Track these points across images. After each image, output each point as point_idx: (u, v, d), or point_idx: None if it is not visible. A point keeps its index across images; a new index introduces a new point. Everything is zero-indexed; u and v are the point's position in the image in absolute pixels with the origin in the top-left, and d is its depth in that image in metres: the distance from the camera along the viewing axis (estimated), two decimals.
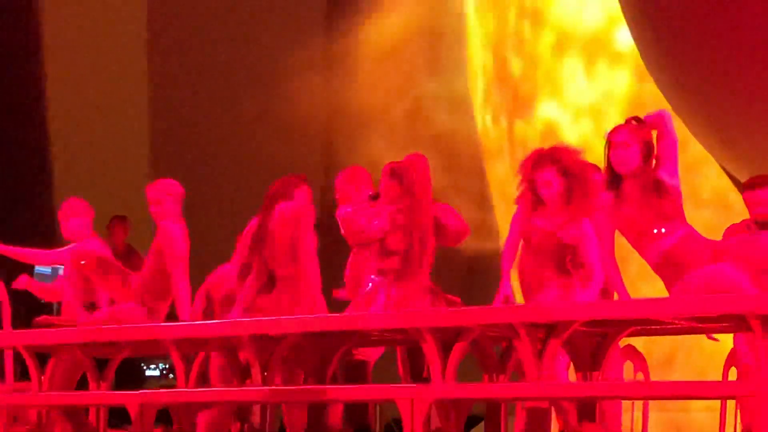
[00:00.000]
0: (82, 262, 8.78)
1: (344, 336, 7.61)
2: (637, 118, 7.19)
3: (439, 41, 12.86)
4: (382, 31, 12.92)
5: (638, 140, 6.93)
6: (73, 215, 9.09)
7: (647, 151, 6.95)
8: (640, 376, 7.93)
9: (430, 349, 6.88)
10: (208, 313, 8.78)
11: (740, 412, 7.43)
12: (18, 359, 8.69)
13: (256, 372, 7.51)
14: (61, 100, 13.53)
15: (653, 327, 7.15)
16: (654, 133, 7.00)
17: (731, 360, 7.65)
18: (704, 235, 7.18)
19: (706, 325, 7.04)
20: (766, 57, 10.39)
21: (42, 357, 8.41)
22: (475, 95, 12.97)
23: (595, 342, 6.95)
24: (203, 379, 8.17)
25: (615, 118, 11.76)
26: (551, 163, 7.07)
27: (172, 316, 8.64)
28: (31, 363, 8.28)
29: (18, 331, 8.75)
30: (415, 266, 7.77)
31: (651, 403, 8.11)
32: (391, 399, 7.47)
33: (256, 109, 12.62)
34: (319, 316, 7.82)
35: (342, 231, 8.18)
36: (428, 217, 7.87)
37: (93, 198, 9.53)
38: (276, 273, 7.91)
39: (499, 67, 12.57)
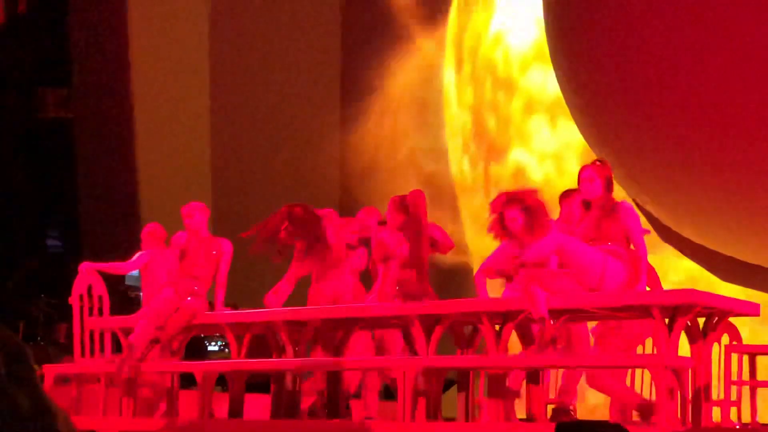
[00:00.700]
0: None
1: (354, 321, 7.66)
2: (600, 160, 7.27)
3: (426, 107, 12.83)
4: (385, 98, 13.07)
5: (601, 176, 6.92)
6: (152, 237, 8.68)
7: (608, 184, 6.94)
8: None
9: (417, 331, 7.09)
10: None
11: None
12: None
13: (289, 348, 7.67)
14: (147, 142, 13.21)
15: (583, 314, 7.02)
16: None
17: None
18: None
19: (620, 314, 6.96)
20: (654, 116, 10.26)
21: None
22: (453, 147, 12.94)
23: (538, 326, 6.78)
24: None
25: (572, 161, 11.97)
26: (515, 203, 7.00)
27: None
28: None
29: (117, 317, 8.59)
30: (423, 274, 7.78)
31: None
32: (388, 368, 7.73)
33: (289, 156, 12.67)
34: (334, 307, 7.84)
35: (374, 252, 8.12)
36: (427, 237, 7.91)
37: (168, 218, 9.33)
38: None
39: (478, 125, 12.56)
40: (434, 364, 7.11)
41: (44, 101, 14.38)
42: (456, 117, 12.88)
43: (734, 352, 7.22)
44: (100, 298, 8.35)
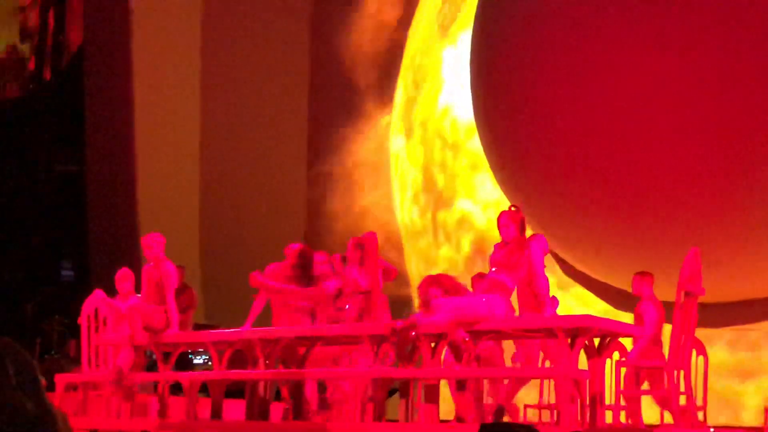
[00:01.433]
0: None
1: (314, 339, 7.59)
2: (515, 206, 7.20)
3: (379, 170, 12.74)
4: (348, 163, 12.92)
5: (515, 221, 6.80)
6: (154, 244, 8.11)
7: (521, 227, 6.83)
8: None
9: (365, 347, 7.02)
10: None
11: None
12: None
13: (261, 361, 7.48)
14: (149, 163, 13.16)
15: (502, 333, 6.97)
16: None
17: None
18: None
19: (532, 334, 6.94)
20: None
21: None
22: (402, 199, 12.74)
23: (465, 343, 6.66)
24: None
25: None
26: (436, 285, 7.01)
27: None
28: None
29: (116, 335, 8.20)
30: (377, 299, 7.71)
31: None
32: (343, 378, 7.63)
33: (266, 204, 12.61)
34: (295, 327, 7.79)
35: (346, 286, 7.89)
36: (379, 267, 7.83)
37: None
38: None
39: (427, 180, 12.33)
40: (380, 375, 7.04)
41: (59, 158, 14.37)
42: (406, 174, 12.72)
43: (623, 366, 7.29)
44: (105, 319, 8.23)
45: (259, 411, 7.64)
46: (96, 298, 8.33)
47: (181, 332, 8.13)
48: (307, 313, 8.15)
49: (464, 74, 11.83)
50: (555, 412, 7.15)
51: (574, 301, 10.77)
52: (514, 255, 6.72)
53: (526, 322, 6.87)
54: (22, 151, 14.90)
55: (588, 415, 6.51)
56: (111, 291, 8.68)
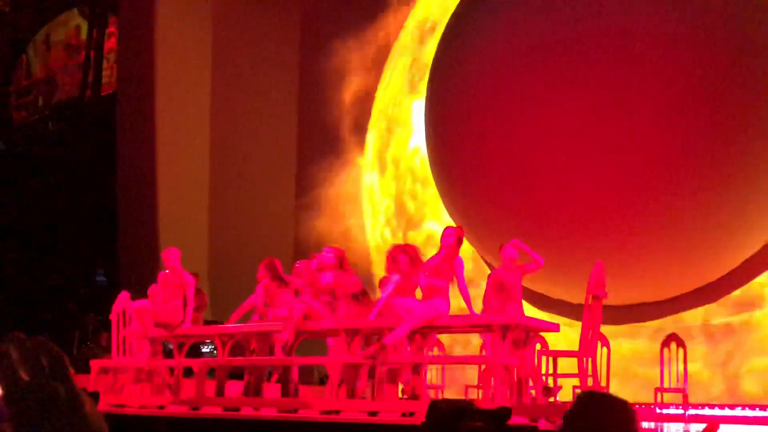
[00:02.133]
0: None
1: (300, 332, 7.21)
2: (460, 226, 7.10)
3: (355, 200, 12.64)
4: (330, 194, 12.85)
5: (457, 235, 6.73)
6: (172, 257, 8.04)
7: (459, 240, 6.73)
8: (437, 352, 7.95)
9: (340, 340, 6.99)
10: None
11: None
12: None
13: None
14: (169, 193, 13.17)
15: (445, 328, 6.94)
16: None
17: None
18: None
19: (472, 329, 7.09)
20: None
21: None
22: (374, 224, 12.51)
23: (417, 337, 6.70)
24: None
25: None
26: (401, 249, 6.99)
27: None
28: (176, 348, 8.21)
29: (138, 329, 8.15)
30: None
31: None
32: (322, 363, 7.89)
33: (263, 228, 12.46)
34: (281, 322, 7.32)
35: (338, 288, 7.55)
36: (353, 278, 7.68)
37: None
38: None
39: (399, 207, 12.09)
40: (349, 360, 6.98)
41: (95, 184, 14.30)
42: (379, 204, 12.49)
43: (543, 355, 7.37)
44: (130, 316, 8.24)
45: (254, 389, 7.65)
46: (123, 299, 8.36)
47: (193, 327, 8.11)
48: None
49: None
50: (490, 391, 7.20)
51: None
52: (445, 262, 6.71)
53: (469, 320, 6.86)
54: (65, 178, 14.84)
55: (516, 393, 6.59)
56: (136, 294, 8.66)
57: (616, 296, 8.17)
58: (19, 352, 0.88)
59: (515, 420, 5.80)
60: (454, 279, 6.67)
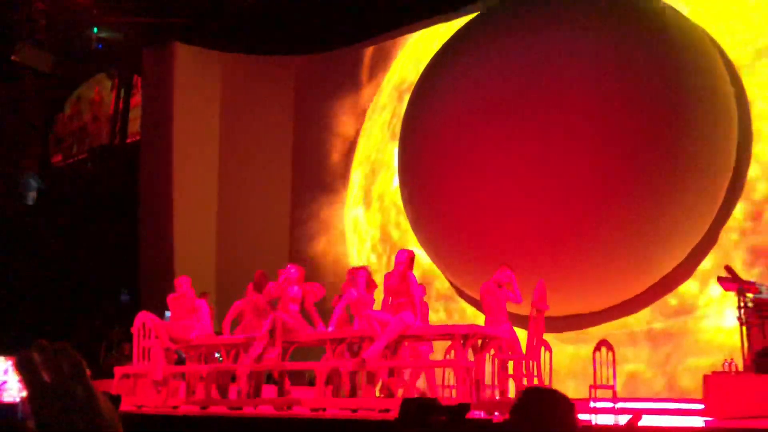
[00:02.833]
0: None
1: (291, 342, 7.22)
2: (408, 250, 7.01)
3: (343, 235, 12.55)
4: (318, 224, 12.79)
5: (409, 257, 6.68)
6: (184, 283, 8.06)
7: (411, 261, 6.69)
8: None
9: (330, 346, 6.98)
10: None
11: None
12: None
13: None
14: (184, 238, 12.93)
15: (421, 337, 6.88)
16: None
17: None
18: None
19: (437, 337, 7.10)
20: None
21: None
22: (359, 250, 12.35)
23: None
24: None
25: None
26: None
27: None
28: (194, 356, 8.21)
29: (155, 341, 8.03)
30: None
31: None
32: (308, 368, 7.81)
33: (263, 255, 12.10)
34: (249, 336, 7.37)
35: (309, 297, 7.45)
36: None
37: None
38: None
39: (384, 235, 11.90)
40: (335, 366, 6.91)
41: (121, 219, 14.17)
42: (365, 233, 12.33)
43: (496, 358, 7.25)
44: (149, 330, 8.14)
45: (254, 391, 7.53)
46: (143, 315, 8.26)
47: (204, 337, 8.00)
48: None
49: None
50: (453, 390, 7.12)
51: (465, 313, 10.67)
52: (403, 281, 6.64)
53: (435, 329, 6.94)
54: (95, 213, 14.73)
55: (475, 392, 6.53)
56: (154, 310, 8.64)
57: (558, 308, 8.30)
58: (42, 357, 0.85)
59: (473, 414, 5.74)
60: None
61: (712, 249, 8.64)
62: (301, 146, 13.41)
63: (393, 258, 11.63)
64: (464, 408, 4.62)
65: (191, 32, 13.30)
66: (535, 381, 6.84)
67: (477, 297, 9.33)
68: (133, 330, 8.24)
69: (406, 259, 6.68)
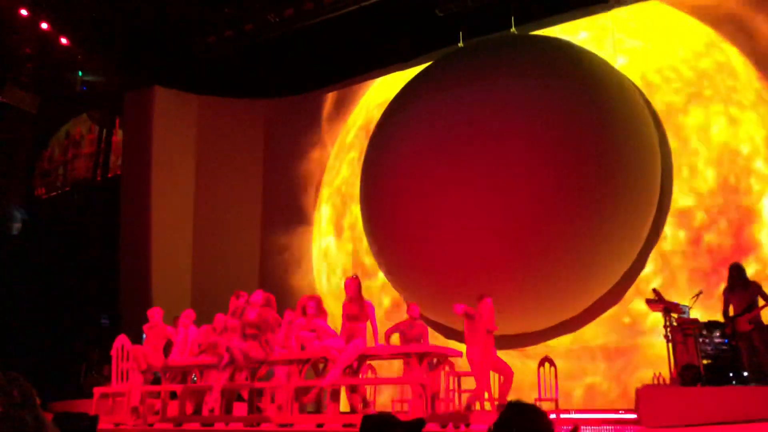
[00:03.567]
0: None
1: (260, 362, 7.05)
2: (356, 275, 6.82)
3: (311, 259, 12.40)
4: (289, 254, 12.66)
5: (357, 284, 6.60)
6: (156, 314, 7.86)
7: (358, 289, 6.59)
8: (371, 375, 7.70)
9: (296, 367, 6.82)
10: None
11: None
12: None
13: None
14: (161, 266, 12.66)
15: (377, 357, 6.81)
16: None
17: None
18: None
19: (395, 357, 6.89)
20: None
21: None
22: (330, 274, 12.19)
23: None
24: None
25: None
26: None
27: None
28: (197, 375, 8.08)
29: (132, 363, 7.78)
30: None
31: None
32: (275, 387, 7.61)
33: (234, 279, 11.97)
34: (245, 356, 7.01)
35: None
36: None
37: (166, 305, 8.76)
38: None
39: (356, 262, 11.76)
40: (300, 384, 6.84)
41: (103, 245, 13.83)
42: (337, 259, 12.21)
43: (450, 375, 7.27)
44: (128, 352, 7.96)
45: (225, 408, 7.37)
46: (122, 339, 8.09)
47: (176, 359, 7.79)
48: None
49: None
50: (409, 404, 7.06)
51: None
52: (357, 308, 6.59)
53: (393, 350, 6.79)
54: (78, 243, 14.41)
55: (430, 406, 6.48)
56: (131, 334, 8.44)
57: (506, 328, 8.28)
58: None
59: (429, 427, 5.67)
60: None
61: (660, 271, 8.88)
62: (271, 182, 13.34)
63: (365, 283, 11.42)
64: (419, 422, 4.54)
65: (170, 75, 13.23)
66: (486, 395, 6.79)
67: (437, 320, 9.24)
68: (112, 353, 8.06)
69: (354, 287, 6.60)
